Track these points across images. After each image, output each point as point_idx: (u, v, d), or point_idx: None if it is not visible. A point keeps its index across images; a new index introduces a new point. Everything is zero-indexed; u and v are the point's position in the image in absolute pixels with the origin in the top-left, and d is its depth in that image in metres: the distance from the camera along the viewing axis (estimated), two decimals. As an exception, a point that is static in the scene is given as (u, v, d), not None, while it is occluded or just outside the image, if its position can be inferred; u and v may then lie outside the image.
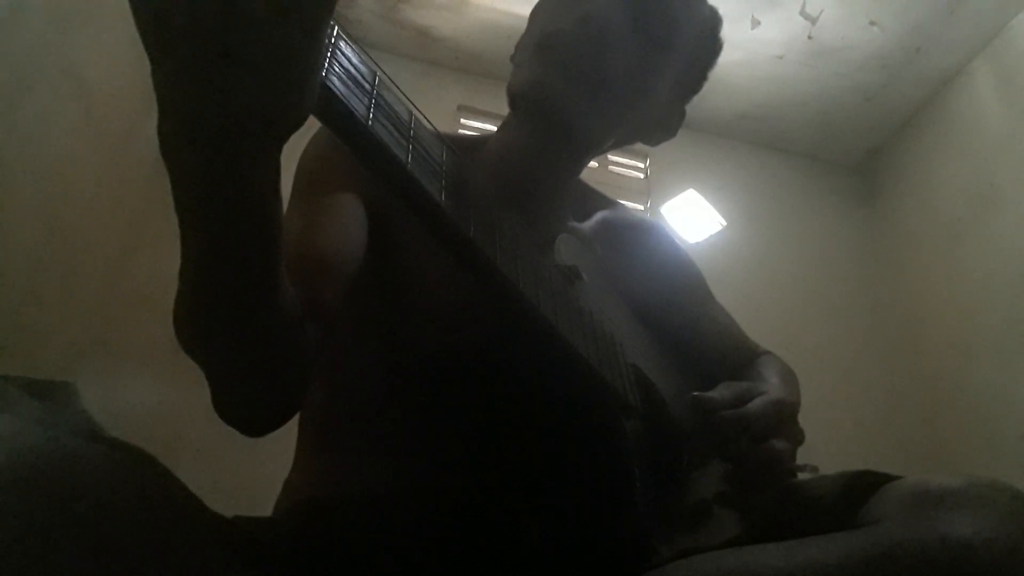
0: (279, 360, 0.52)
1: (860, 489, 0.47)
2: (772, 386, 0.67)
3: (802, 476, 0.63)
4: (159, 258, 1.98)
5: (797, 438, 0.64)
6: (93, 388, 0.54)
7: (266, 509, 0.66)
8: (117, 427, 0.44)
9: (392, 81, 0.44)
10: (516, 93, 0.77)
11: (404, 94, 0.46)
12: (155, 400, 1.73)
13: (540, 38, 0.75)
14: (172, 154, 0.38)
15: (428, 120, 0.49)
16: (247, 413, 0.55)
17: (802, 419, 0.67)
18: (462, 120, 2.74)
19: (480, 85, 2.75)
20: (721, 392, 0.63)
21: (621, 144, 0.87)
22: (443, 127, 0.54)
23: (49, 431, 0.36)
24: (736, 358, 0.87)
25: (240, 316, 0.47)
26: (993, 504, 0.41)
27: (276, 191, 0.43)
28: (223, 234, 0.42)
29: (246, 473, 1.45)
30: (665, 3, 0.77)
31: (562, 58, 0.72)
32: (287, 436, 0.69)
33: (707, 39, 0.84)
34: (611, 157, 2.80)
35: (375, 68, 0.43)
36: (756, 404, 0.61)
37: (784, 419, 0.62)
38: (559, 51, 0.73)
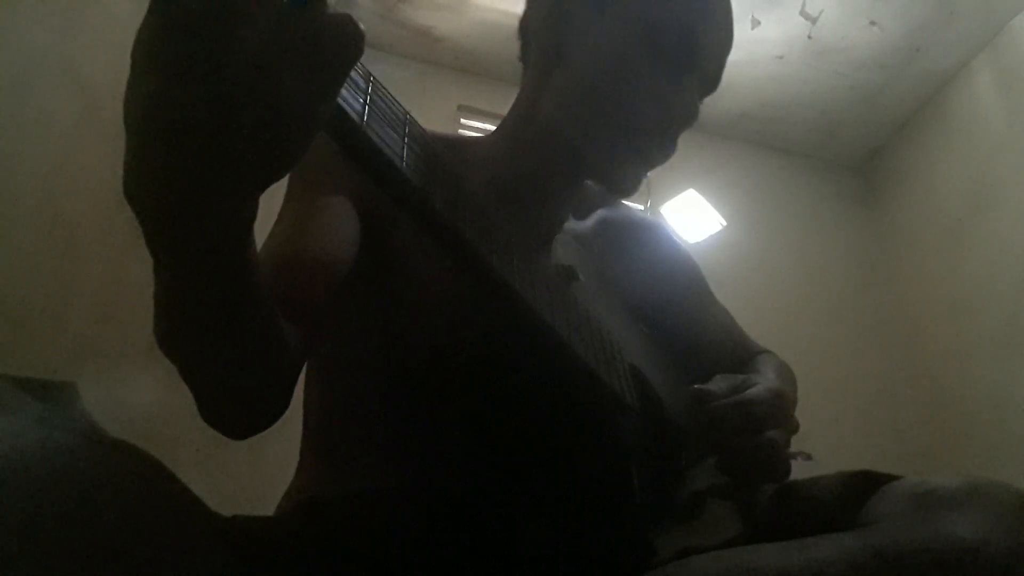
0: (258, 368, 0.52)
1: (860, 489, 0.47)
2: (768, 380, 0.67)
3: (796, 465, 0.63)
4: (159, 258, 1.98)
5: (792, 428, 0.64)
6: (93, 388, 0.54)
7: (266, 509, 0.66)
8: (117, 427, 0.44)
9: (381, 85, 0.44)
10: (560, 137, 0.73)
11: (394, 97, 0.46)
12: (155, 400, 1.72)
13: (625, 129, 0.71)
14: (138, 201, 0.37)
15: (419, 123, 0.49)
16: (230, 418, 0.55)
17: (802, 419, 0.67)
18: (462, 120, 2.74)
19: (480, 85, 2.75)
20: (718, 384, 0.63)
21: None
22: (443, 127, 0.54)
23: (49, 431, 0.36)
24: (735, 357, 0.87)
25: (216, 334, 0.47)
26: (993, 504, 0.41)
27: (252, 222, 0.42)
28: (194, 268, 0.42)
29: (246, 473, 1.45)
30: (686, 27, 0.70)
31: (644, 156, 0.72)
32: (287, 436, 0.69)
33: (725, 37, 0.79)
34: (611, 157, 2.80)
35: (368, 70, 0.43)
36: (753, 392, 0.61)
37: (781, 408, 0.62)
38: (644, 151, 0.72)
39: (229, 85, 0.33)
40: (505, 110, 0.82)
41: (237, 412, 0.55)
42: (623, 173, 0.73)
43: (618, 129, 0.70)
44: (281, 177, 0.39)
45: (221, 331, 0.47)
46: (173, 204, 0.37)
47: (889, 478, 0.48)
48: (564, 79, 0.73)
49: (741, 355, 0.88)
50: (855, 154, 3.11)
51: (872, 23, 2.51)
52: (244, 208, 0.40)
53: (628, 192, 0.75)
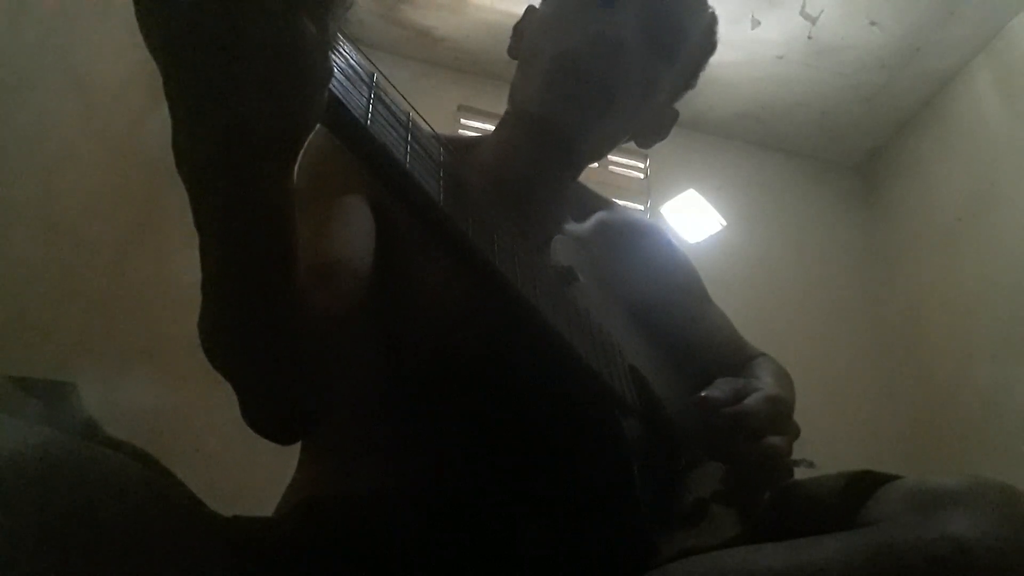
0: (305, 365, 0.52)
1: (860, 489, 0.47)
2: (766, 384, 0.67)
3: (799, 471, 0.63)
4: (159, 258, 1.98)
5: (792, 433, 0.64)
6: (93, 388, 0.54)
7: (266, 509, 0.66)
8: (117, 427, 0.44)
9: (389, 82, 0.44)
10: (523, 107, 0.77)
11: (402, 94, 0.46)
12: (155, 400, 1.73)
13: (553, 56, 0.74)
14: (186, 166, 0.38)
15: (426, 121, 0.49)
16: (279, 421, 0.55)
17: (801, 420, 0.67)
18: (462, 120, 2.74)
19: (480, 85, 2.75)
20: (721, 388, 0.63)
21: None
22: (443, 127, 0.54)
23: (49, 431, 0.36)
24: (731, 360, 0.87)
25: (266, 322, 0.47)
26: (993, 504, 0.41)
27: (292, 196, 0.43)
28: (243, 245, 0.42)
29: (246, 473, 1.45)
30: (675, 15, 0.77)
31: (575, 84, 0.72)
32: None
33: (705, 40, 0.84)
34: (611, 157, 2.80)
35: (373, 68, 0.43)
36: (751, 400, 0.61)
37: (779, 414, 0.62)
38: (573, 75, 0.72)
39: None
40: (505, 110, 0.82)
41: (285, 413, 0.54)
42: (574, 117, 0.74)
43: (555, 66, 0.73)
44: (308, 128, 0.39)
45: (269, 316, 0.47)
46: (209, 166, 0.38)
47: (889, 478, 0.48)
48: (522, 62, 0.80)
49: (737, 358, 0.88)
50: (855, 154, 3.11)
51: (872, 23, 2.51)
52: (276, 172, 0.40)
53: (586, 147, 0.78)
